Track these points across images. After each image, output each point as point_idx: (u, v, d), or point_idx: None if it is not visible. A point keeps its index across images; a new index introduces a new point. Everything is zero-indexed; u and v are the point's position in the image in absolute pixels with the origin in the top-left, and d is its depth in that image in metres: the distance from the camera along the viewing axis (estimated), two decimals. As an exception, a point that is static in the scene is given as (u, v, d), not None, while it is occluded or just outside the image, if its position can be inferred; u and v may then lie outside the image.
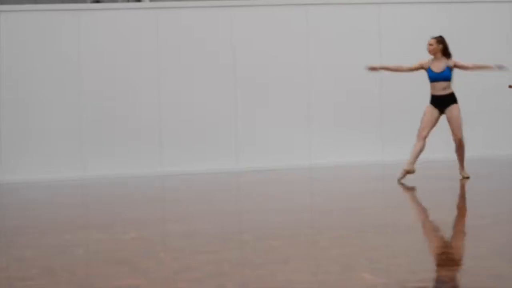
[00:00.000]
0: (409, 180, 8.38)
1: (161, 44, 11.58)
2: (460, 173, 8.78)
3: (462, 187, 7.98)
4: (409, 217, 5.61)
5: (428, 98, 8.94)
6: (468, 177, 8.66)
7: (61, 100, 11.28)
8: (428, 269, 3.57)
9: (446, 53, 8.81)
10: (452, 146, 8.92)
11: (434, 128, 8.88)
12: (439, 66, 8.77)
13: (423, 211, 5.93)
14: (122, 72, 11.42)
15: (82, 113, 11.30)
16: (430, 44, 8.84)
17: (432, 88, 8.80)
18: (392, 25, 11.95)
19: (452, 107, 8.72)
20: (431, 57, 8.83)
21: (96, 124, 11.33)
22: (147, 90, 11.55)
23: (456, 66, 8.76)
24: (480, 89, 11.90)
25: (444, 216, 5.66)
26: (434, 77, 8.76)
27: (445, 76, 8.74)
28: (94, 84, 11.33)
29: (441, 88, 8.76)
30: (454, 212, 6.08)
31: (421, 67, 8.89)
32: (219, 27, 11.71)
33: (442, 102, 8.74)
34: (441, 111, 8.75)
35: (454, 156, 8.93)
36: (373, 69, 9.27)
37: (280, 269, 3.70)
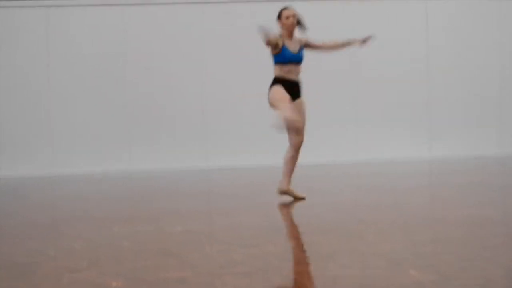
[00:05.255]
0: (456, 175, 8.27)
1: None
2: (288, 188, 6.80)
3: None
4: (457, 212, 5.53)
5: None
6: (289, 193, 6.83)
7: (105, 96, 11.42)
8: (478, 266, 3.52)
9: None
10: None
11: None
12: (294, 46, 6.82)
13: (471, 206, 5.84)
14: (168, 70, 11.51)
15: (128, 109, 11.43)
16: (292, 17, 6.75)
17: (287, 71, 6.74)
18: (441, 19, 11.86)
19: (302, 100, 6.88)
20: (280, 33, 6.81)
21: (142, 119, 11.47)
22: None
23: (307, 45, 6.92)
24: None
25: (492, 211, 5.57)
26: (291, 58, 6.75)
27: (301, 58, 6.82)
28: (145, 82, 11.44)
29: (297, 73, 6.81)
30: (504, 208, 5.98)
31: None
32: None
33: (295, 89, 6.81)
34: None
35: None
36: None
37: (327, 264, 3.68)
